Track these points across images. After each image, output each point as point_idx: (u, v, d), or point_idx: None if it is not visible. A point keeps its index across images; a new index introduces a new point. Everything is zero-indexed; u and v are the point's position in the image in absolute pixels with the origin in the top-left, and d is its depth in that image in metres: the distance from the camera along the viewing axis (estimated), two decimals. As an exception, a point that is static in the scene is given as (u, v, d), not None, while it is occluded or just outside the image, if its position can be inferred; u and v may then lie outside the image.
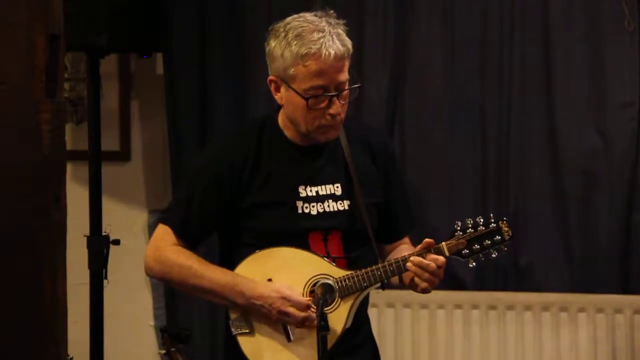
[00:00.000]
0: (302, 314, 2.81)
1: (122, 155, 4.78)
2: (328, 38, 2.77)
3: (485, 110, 4.47)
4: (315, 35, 2.76)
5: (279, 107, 2.93)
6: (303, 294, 2.85)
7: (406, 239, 3.06)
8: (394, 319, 4.42)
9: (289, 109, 2.86)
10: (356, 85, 2.86)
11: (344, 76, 2.81)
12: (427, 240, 2.84)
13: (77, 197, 3.79)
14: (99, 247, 4.13)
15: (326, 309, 2.74)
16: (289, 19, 2.84)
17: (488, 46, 4.46)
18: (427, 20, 4.48)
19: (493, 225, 2.87)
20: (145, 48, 4.33)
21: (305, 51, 2.76)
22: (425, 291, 2.86)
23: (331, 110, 2.80)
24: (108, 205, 4.37)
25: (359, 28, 4.41)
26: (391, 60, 4.50)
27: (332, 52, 2.76)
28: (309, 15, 2.83)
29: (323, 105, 2.80)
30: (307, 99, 2.78)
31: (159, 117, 4.72)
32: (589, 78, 4.40)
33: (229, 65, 4.57)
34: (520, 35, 4.44)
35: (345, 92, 2.82)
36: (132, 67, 4.78)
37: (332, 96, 2.79)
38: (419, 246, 2.85)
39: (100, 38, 3.98)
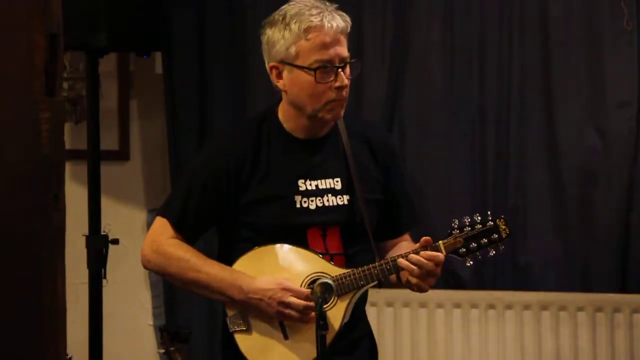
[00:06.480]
0: (304, 303, 2.80)
1: (121, 154, 4.78)
2: (327, 13, 2.80)
3: (484, 109, 4.48)
4: (314, 11, 2.80)
5: (278, 101, 2.93)
6: (300, 292, 2.86)
7: (407, 236, 3.05)
8: (393, 317, 4.42)
9: (294, 92, 2.85)
10: (358, 59, 2.87)
11: (346, 51, 2.83)
12: (424, 238, 2.83)
13: (76, 196, 3.80)
14: (98, 246, 4.13)
15: (324, 307, 2.74)
16: (282, 7, 2.87)
17: (488, 45, 4.46)
18: (426, 19, 4.49)
19: (490, 223, 2.86)
20: (145, 47, 4.34)
21: (307, 25, 2.77)
22: (420, 289, 2.86)
23: (338, 83, 2.81)
24: (107, 205, 4.37)
25: (358, 26, 4.41)
26: (390, 58, 4.50)
27: (334, 24, 2.79)
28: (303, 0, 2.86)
29: (329, 79, 2.80)
30: (314, 70, 2.78)
31: (158, 117, 4.72)
32: (588, 77, 4.41)
33: (229, 64, 4.58)
34: (520, 35, 4.44)
35: (349, 68, 2.83)
36: (131, 66, 4.78)
37: (338, 67, 2.80)
38: (417, 245, 2.85)
39: (99, 37, 3.98)
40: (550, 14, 4.41)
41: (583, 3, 4.39)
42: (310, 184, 2.90)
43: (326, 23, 2.78)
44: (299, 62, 2.80)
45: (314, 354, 2.71)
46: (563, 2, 4.41)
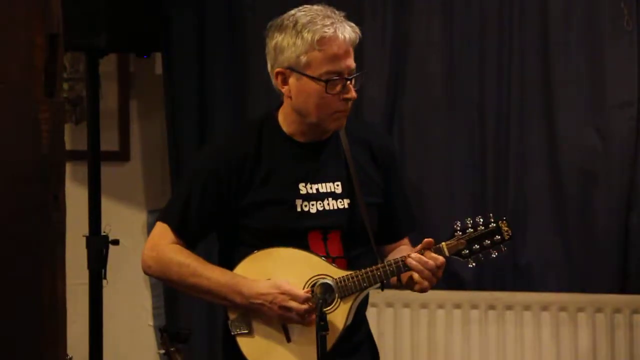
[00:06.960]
0: (304, 306, 2.80)
1: (121, 155, 4.78)
2: (339, 24, 2.80)
3: (484, 110, 4.47)
4: (327, 21, 2.79)
5: (278, 105, 2.93)
6: (302, 294, 2.85)
7: (406, 240, 3.05)
8: (393, 318, 4.42)
9: (300, 99, 2.84)
10: (364, 72, 2.88)
11: (354, 63, 2.83)
12: (426, 239, 2.83)
13: (76, 197, 3.80)
14: (98, 247, 4.13)
15: (326, 309, 2.73)
16: (291, 11, 2.85)
17: (487, 45, 4.46)
18: (426, 19, 4.48)
19: (493, 225, 2.86)
20: (144, 48, 4.33)
21: (320, 35, 2.76)
22: (423, 290, 2.86)
23: (347, 95, 2.81)
24: (107, 205, 4.37)
25: (358, 26, 4.40)
26: (390, 59, 4.50)
27: (347, 35, 2.79)
28: (311, 6, 2.84)
29: (337, 89, 2.80)
30: (326, 82, 2.78)
31: (158, 117, 4.72)
32: (588, 77, 4.40)
33: (229, 65, 4.57)
34: (520, 35, 4.44)
35: (354, 79, 2.83)
36: (131, 67, 4.78)
37: (347, 79, 2.80)
38: (419, 245, 2.85)
39: (99, 38, 3.98)
40: (550, 14, 4.41)
41: (583, 3, 4.39)
42: (311, 188, 2.89)
43: (339, 35, 2.77)
44: (309, 72, 2.79)
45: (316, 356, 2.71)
46: (563, 2, 4.40)
